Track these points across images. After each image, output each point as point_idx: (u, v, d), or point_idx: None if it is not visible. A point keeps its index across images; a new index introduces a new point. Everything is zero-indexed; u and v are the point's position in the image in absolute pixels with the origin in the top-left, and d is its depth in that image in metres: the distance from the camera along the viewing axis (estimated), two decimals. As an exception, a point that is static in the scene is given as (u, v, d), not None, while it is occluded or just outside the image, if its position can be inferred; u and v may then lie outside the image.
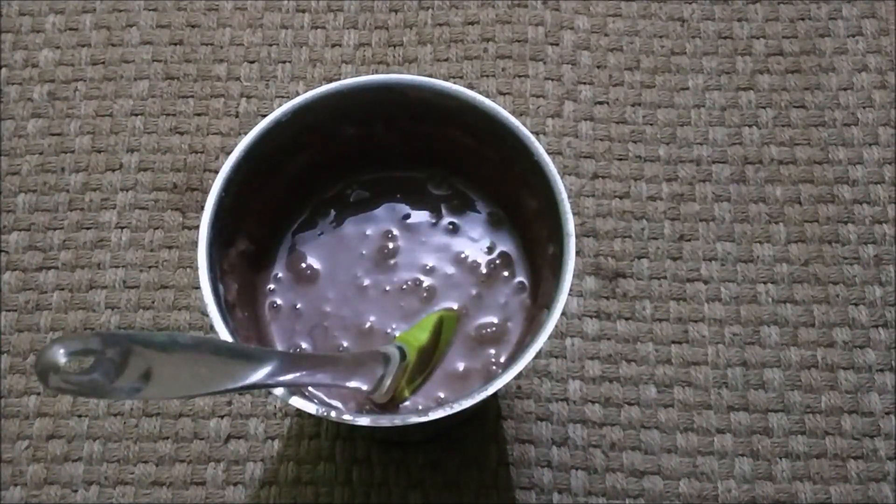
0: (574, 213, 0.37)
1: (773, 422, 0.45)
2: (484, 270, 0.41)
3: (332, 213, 0.42)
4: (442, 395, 0.39)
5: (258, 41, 0.54)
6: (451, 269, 0.41)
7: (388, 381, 0.35)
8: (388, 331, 0.40)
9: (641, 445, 0.45)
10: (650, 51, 0.53)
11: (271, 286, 0.41)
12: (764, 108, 0.52)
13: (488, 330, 0.40)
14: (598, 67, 0.53)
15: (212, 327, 0.34)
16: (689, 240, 0.49)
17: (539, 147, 0.37)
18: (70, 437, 0.45)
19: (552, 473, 0.45)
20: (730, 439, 0.45)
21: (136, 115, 0.52)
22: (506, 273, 0.41)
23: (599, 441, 0.45)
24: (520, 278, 0.41)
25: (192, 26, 0.54)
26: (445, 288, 0.41)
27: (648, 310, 0.47)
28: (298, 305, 0.41)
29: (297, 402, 0.33)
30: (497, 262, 0.41)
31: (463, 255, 0.41)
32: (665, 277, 0.48)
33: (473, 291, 0.40)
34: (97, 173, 0.51)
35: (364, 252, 0.41)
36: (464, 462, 0.45)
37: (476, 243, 0.41)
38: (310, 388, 0.38)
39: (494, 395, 0.35)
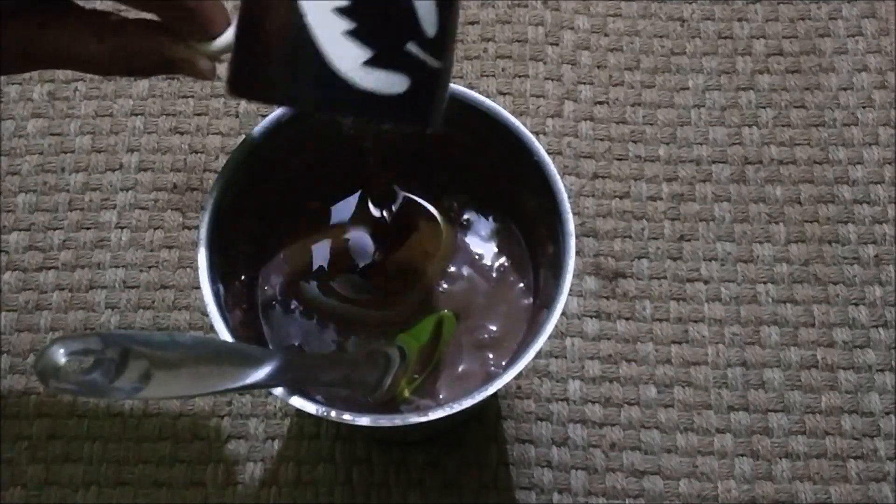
0: (574, 213, 0.37)
1: (773, 422, 0.45)
2: (494, 275, 0.41)
3: (333, 212, 0.42)
4: (442, 395, 0.39)
5: (258, 41, 0.54)
6: (458, 269, 0.41)
7: (388, 381, 0.35)
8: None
9: (641, 445, 0.45)
10: (650, 51, 0.53)
11: (268, 287, 0.41)
12: (764, 108, 0.52)
13: (490, 331, 0.40)
14: (598, 67, 0.53)
15: (212, 327, 0.34)
16: (689, 240, 0.49)
17: (539, 147, 0.37)
18: (70, 437, 0.45)
19: (552, 473, 0.45)
20: (730, 439, 0.45)
21: (136, 115, 0.52)
22: (511, 277, 0.41)
23: (599, 441, 0.45)
24: (522, 279, 0.41)
25: (192, 26, 0.54)
26: (450, 288, 0.40)
27: (648, 310, 0.47)
28: (293, 306, 0.40)
29: (297, 402, 0.33)
30: (505, 264, 0.41)
31: (473, 256, 0.41)
32: (665, 277, 0.48)
33: (477, 292, 0.40)
34: (97, 173, 0.51)
35: (366, 252, 0.41)
36: (464, 462, 0.45)
37: (483, 244, 0.41)
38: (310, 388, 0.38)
39: (494, 395, 0.35)
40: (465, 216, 0.42)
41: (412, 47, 0.29)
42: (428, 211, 0.42)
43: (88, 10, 0.31)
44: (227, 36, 0.31)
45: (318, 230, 0.42)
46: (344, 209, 0.42)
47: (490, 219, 0.42)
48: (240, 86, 0.31)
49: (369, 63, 0.29)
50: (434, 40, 0.30)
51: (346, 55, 0.28)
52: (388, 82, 0.29)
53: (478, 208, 0.42)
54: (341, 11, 0.28)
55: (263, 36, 0.30)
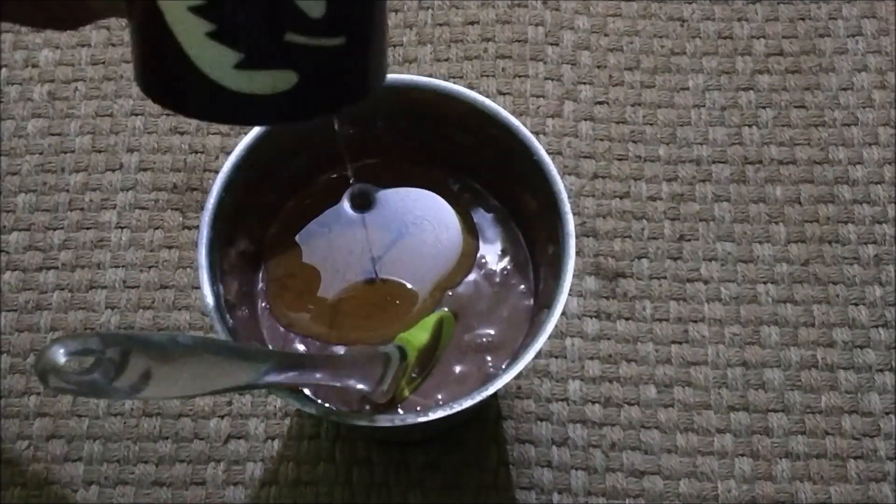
0: (574, 213, 0.37)
1: (773, 422, 0.45)
2: (498, 280, 0.41)
3: (334, 211, 0.42)
4: (441, 396, 0.39)
5: (258, 41, 0.53)
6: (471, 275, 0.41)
7: (388, 381, 0.35)
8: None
9: (641, 445, 0.45)
10: (650, 51, 0.53)
11: (264, 286, 0.41)
12: (764, 108, 0.52)
13: (488, 335, 0.40)
14: (598, 67, 0.53)
15: (212, 327, 0.34)
16: (689, 240, 0.49)
17: (539, 147, 0.37)
18: (70, 437, 0.45)
19: (552, 473, 0.45)
20: (730, 439, 0.45)
21: (136, 115, 0.52)
22: (514, 280, 0.41)
23: (599, 441, 0.45)
24: (523, 281, 0.41)
25: (192, 26, 0.54)
26: (455, 291, 0.40)
27: (648, 310, 0.47)
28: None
29: (297, 402, 0.33)
30: (508, 267, 0.41)
31: (479, 260, 0.41)
32: (665, 277, 0.48)
33: (481, 296, 0.40)
34: (97, 173, 0.51)
35: (370, 252, 0.41)
36: (464, 462, 0.45)
37: (488, 246, 0.41)
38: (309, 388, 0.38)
39: (494, 395, 0.35)
40: (475, 220, 0.42)
41: (292, 37, 0.25)
42: (446, 216, 0.41)
43: None
44: None
45: (314, 233, 0.42)
46: (342, 211, 0.42)
47: (492, 220, 0.42)
48: (141, 86, 0.28)
49: (241, 66, 0.25)
50: (323, 19, 0.26)
51: (214, 59, 0.25)
52: (270, 82, 0.26)
53: (481, 208, 0.42)
54: (197, 11, 0.25)
55: (140, 39, 0.27)
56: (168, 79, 0.27)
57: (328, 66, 0.27)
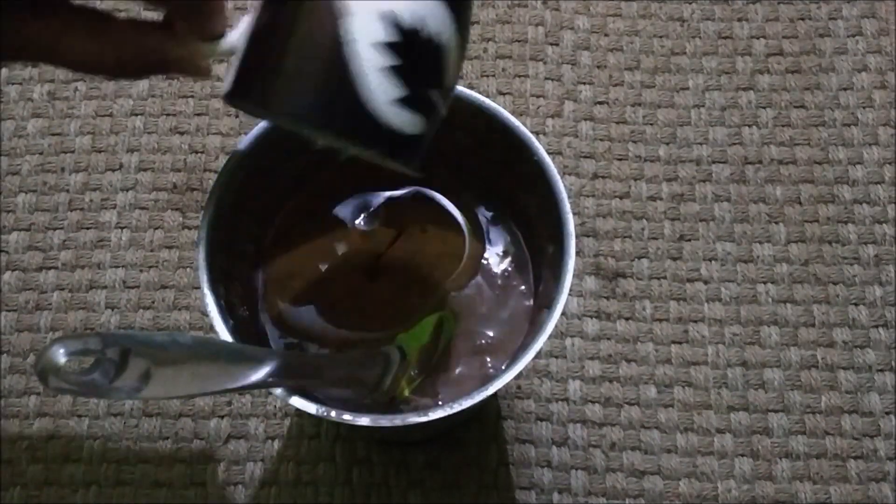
0: (574, 213, 0.37)
1: (773, 422, 0.45)
2: (499, 282, 0.41)
3: (335, 211, 0.42)
4: (441, 396, 0.39)
5: (258, 41, 0.53)
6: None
7: (388, 381, 0.35)
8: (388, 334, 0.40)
9: (641, 445, 0.45)
10: (650, 51, 0.53)
11: (264, 286, 0.41)
12: (764, 108, 0.52)
13: (488, 337, 0.40)
14: (598, 67, 0.53)
15: (212, 327, 0.34)
16: (689, 240, 0.49)
17: (539, 147, 0.37)
18: (70, 437, 0.45)
19: (552, 473, 0.45)
20: (730, 439, 0.45)
21: (136, 115, 0.52)
22: (514, 281, 0.41)
23: (599, 441, 0.45)
24: (523, 283, 0.41)
25: (192, 26, 0.54)
26: (457, 294, 0.40)
27: (648, 310, 0.47)
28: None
29: (297, 402, 0.33)
30: (509, 269, 0.41)
31: (484, 261, 0.41)
32: (665, 277, 0.48)
33: (483, 299, 0.40)
34: (97, 173, 0.51)
35: (372, 252, 0.41)
36: (464, 462, 0.45)
37: (489, 247, 0.41)
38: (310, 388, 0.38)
39: (494, 395, 0.35)
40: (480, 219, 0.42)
41: (434, 94, 0.30)
42: (451, 218, 0.41)
43: (83, 6, 0.31)
44: (230, 38, 0.30)
45: (315, 233, 0.42)
46: (343, 211, 0.42)
47: (492, 220, 0.42)
48: (244, 92, 0.29)
49: (399, 102, 0.29)
50: (449, 89, 0.31)
51: (379, 90, 0.29)
52: (410, 122, 0.30)
53: (481, 208, 0.42)
54: (388, 46, 0.28)
55: (291, 49, 0.29)
56: (306, 92, 0.29)
57: (434, 128, 0.31)
